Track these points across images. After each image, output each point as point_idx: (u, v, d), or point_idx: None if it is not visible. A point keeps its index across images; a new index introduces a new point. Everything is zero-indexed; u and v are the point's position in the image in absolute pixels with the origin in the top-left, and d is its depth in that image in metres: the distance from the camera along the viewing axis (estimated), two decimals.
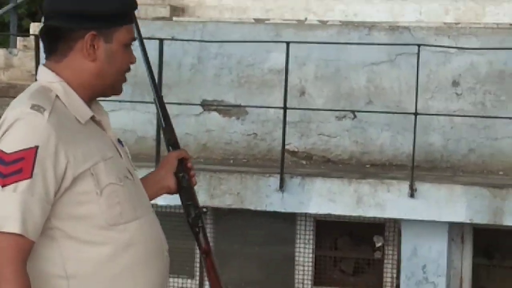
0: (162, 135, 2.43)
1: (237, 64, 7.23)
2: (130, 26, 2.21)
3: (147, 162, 6.41)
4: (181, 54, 7.24)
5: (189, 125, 7.22)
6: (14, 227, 1.93)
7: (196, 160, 7.03)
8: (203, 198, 6.27)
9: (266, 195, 6.20)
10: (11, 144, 1.97)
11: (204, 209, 2.35)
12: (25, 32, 11.36)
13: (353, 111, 6.98)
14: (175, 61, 7.21)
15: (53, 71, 2.14)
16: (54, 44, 2.14)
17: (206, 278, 6.71)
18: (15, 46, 9.33)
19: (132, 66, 2.27)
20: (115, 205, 2.08)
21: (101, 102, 2.28)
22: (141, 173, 2.42)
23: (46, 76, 2.15)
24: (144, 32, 2.38)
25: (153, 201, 2.34)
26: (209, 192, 6.25)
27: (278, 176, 6.18)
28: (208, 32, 7.24)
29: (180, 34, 7.21)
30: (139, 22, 2.32)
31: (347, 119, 7.08)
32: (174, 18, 8.19)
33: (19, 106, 2.04)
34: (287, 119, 6.42)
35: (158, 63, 6.20)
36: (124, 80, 2.25)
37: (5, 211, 1.93)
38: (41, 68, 2.17)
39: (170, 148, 2.41)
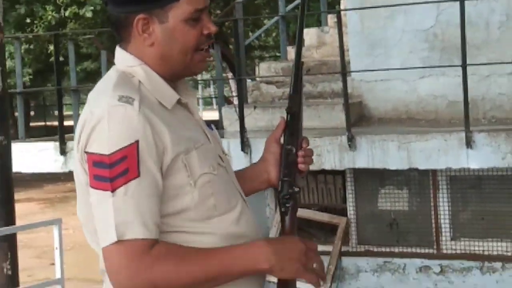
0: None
1: None
2: None
3: (459, 127, 6.39)
4: (488, 12, 7.07)
5: (501, 85, 7.05)
6: (137, 233, 1.78)
7: (511, 120, 6.87)
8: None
9: None
10: (109, 144, 1.79)
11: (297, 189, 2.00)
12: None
13: None
14: (482, 20, 7.06)
15: (131, 53, 1.94)
16: (118, 31, 1.96)
17: None
18: (326, 24, 9.61)
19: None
20: (209, 197, 1.89)
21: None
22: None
23: (124, 60, 1.95)
24: None
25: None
26: None
27: None
28: None
29: None
30: None
31: None
32: None
33: (104, 100, 1.84)
34: None
35: (460, 24, 6.12)
36: (204, 56, 1.97)
37: (122, 217, 1.78)
38: (118, 50, 1.97)
39: (289, 117, 2.05)
